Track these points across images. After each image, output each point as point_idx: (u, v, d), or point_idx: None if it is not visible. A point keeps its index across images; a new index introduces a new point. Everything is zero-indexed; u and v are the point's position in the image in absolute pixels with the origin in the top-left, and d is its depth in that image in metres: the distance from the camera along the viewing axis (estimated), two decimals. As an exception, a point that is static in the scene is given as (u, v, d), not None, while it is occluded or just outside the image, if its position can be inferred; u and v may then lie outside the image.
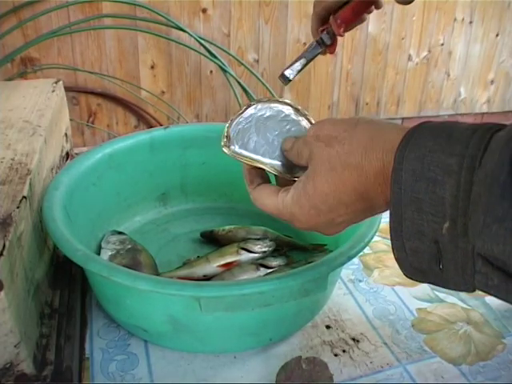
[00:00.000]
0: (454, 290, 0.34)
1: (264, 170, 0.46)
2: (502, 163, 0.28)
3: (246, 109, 0.46)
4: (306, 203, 0.41)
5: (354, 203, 0.39)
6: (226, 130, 0.46)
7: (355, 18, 0.51)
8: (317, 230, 0.44)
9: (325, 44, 0.54)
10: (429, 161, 0.31)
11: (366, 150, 0.36)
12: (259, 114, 0.46)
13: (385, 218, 0.72)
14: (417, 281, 0.36)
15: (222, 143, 0.45)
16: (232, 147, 0.45)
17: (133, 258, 0.60)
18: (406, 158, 0.32)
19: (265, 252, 0.63)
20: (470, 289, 0.32)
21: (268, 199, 0.44)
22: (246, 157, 0.45)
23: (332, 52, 0.54)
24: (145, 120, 1.64)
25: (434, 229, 0.32)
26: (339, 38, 0.53)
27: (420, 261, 0.34)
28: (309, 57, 0.54)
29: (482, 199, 0.29)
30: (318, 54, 0.55)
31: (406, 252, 0.34)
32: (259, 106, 0.46)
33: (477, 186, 0.29)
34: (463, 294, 0.62)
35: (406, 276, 0.36)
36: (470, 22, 1.92)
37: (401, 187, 0.33)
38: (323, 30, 0.53)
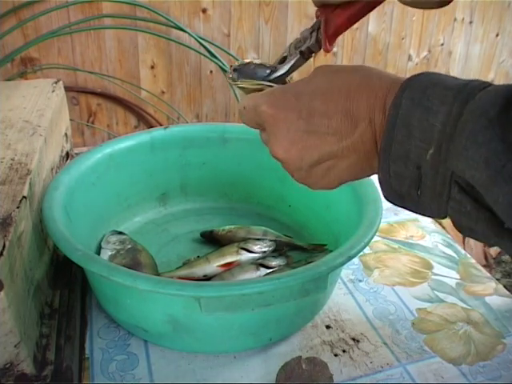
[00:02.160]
0: (428, 216, 0.36)
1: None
2: (494, 102, 0.29)
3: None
4: (291, 90, 0.40)
5: (338, 119, 0.38)
6: (229, 71, 0.49)
7: (350, 24, 0.47)
8: (292, 153, 0.41)
9: (310, 54, 0.49)
10: (430, 92, 0.33)
11: (381, 75, 0.37)
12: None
13: (385, 218, 0.72)
14: (394, 204, 0.37)
15: (228, 80, 0.48)
16: (235, 78, 0.48)
17: (133, 258, 0.60)
18: (409, 87, 0.34)
19: (265, 252, 0.63)
20: (442, 215, 0.34)
21: (251, 96, 0.44)
22: (250, 81, 0.47)
23: (327, 50, 0.49)
24: (145, 120, 1.64)
25: (419, 154, 0.33)
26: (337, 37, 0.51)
27: (401, 185, 0.35)
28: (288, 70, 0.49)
29: (467, 125, 0.30)
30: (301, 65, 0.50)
31: (390, 174, 0.35)
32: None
33: (466, 115, 0.31)
34: (463, 294, 0.62)
35: (386, 199, 0.38)
36: (470, 22, 1.92)
37: (398, 111, 0.34)
38: (312, 31, 0.48)
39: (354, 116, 0.37)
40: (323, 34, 0.47)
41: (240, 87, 0.48)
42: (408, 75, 0.35)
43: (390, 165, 0.35)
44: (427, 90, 0.33)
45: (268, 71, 0.48)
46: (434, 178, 0.33)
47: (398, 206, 0.37)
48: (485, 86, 0.32)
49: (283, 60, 0.48)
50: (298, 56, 0.48)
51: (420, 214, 0.36)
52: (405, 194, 0.35)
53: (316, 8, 0.48)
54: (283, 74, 0.48)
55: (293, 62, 0.49)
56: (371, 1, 0.45)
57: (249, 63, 0.49)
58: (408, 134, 0.33)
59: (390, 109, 0.34)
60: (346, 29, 0.47)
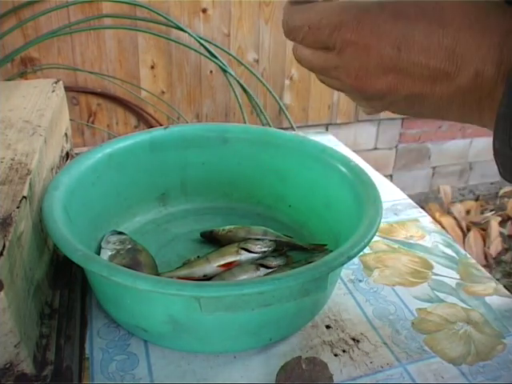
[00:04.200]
0: None
1: None
2: None
3: None
4: (388, 7, 0.31)
5: (439, 60, 0.30)
6: None
7: None
8: (377, 85, 0.33)
9: None
10: None
11: (501, 10, 0.29)
12: None
13: (385, 218, 0.72)
14: None
15: None
16: None
17: (133, 258, 0.60)
18: None
19: (265, 252, 0.63)
20: None
21: (323, 9, 0.33)
22: None
23: None
24: (145, 120, 1.64)
25: None
26: None
27: None
28: None
29: None
30: None
31: (511, 146, 0.28)
32: None
33: None
34: (463, 294, 0.62)
35: (503, 176, 0.31)
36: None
37: None
38: None
39: (458, 61, 0.30)
40: None
41: None
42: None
43: (511, 136, 0.28)
44: None
45: None
46: None
47: None
48: None
49: None
50: None
51: None
52: None
53: None
54: None
55: None
56: None
57: None
58: None
59: (510, 73, 0.28)
60: None
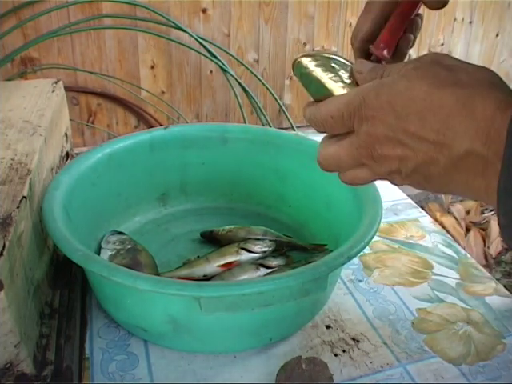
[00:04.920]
0: None
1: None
2: None
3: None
4: (385, 94, 0.35)
5: (432, 125, 0.33)
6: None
7: (395, 37, 0.45)
8: (369, 135, 0.37)
9: None
10: None
11: (486, 93, 0.32)
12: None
13: (384, 218, 0.72)
14: None
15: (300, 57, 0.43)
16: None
17: (133, 258, 0.60)
18: None
19: (265, 252, 0.63)
20: None
21: (336, 103, 0.38)
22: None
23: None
24: (145, 120, 1.64)
25: None
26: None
27: None
28: None
29: None
30: None
31: None
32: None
33: None
34: (463, 294, 0.62)
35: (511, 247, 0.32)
36: (470, 22, 1.92)
37: None
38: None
39: (448, 145, 0.33)
40: (374, 49, 0.44)
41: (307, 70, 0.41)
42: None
43: None
44: None
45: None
46: None
47: None
48: None
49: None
50: None
51: None
52: None
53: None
54: None
55: None
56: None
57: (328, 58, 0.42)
58: None
59: (505, 150, 0.29)
60: (393, 38, 0.44)
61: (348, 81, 0.41)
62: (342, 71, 0.41)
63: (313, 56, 0.42)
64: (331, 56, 0.42)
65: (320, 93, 0.41)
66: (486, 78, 0.33)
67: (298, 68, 0.43)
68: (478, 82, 0.33)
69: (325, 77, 0.41)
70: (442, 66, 0.35)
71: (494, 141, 0.31)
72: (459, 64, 0.35)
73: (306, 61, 0.42)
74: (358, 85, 0.40)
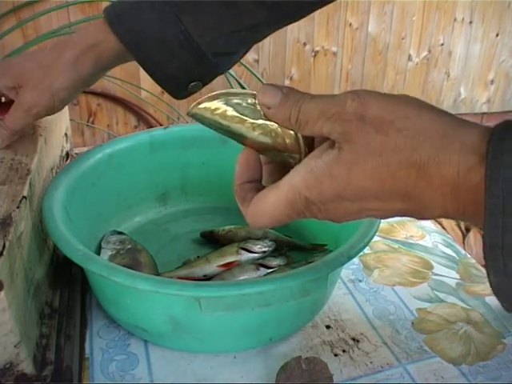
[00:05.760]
0: None
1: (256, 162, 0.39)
2: None
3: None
4: (329, 189, 0.32)
5: (395, 202, 0.31)
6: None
7: None
8: (329, 219, 0.36)
9: None
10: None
11: (437, 149, 0.29)
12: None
13: (385, 218, 0.72)
14: None
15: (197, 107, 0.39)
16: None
17: (133, 258, 0.60)
18: (507, 151, 0.26)
19: (265, 252, 0.63)
20: None
21: (268, 202, 0.35)
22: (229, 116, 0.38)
23: None
24: (145, 120, 1.64)
25: None
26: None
27: None
28: None
29: None
30: None
31: (508, 276, 0.27)
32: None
33: None
34: (463, 294, 0.62)
35: (508, 310, 0.30)
36: (470, 22, 1.93)
37: (502, 189, 0.26)
38: None
39: (418, 212, 0.32)
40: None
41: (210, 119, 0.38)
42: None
43: (505, 262, 0.27)
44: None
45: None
46: None
47: None
48: None
49: None
50: None
51: None
52: None
53: None
54: None
55: None
56: None
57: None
58: None
59: (488, 187, 0.27)
60: None
61: (254, 117, 0.37)
62: (245, 104, 0.37)
63: (206, 101, 0.39)
64: (223, 92, 0.38)
65: (234, 139, 0.39)
66: (427, 130, 0.29)
67: (198, 120, 0.41)
68: (420, 144, 0.29)
69: (228, 121, 0.38)
70: (369, 126, 0.31)
71: (464, 205, 0.29)
72: (386, 114, 0.31)
73: (201, 111, 0.40)
74: (268, 119, 0.36)
